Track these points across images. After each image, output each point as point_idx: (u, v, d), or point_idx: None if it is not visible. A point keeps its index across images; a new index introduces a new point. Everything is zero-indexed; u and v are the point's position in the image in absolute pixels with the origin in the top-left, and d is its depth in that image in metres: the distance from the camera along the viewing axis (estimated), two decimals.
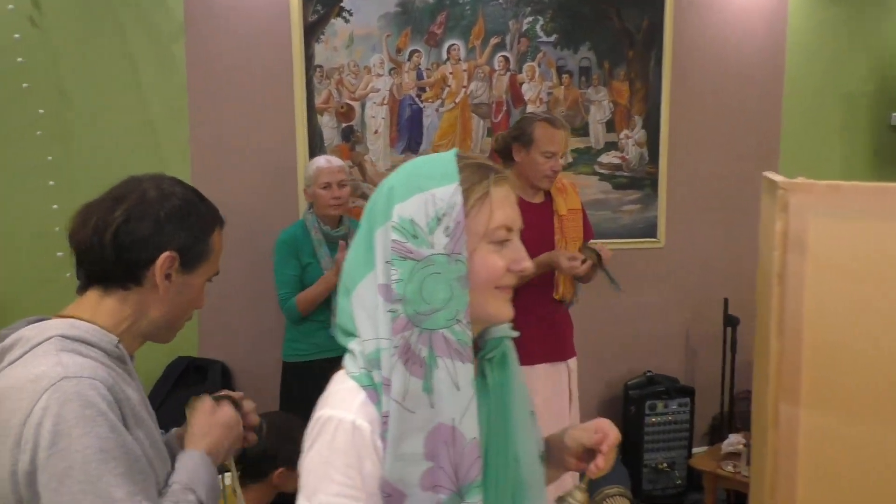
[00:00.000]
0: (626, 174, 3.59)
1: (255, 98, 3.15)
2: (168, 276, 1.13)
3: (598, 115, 3.52)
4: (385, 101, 3.27)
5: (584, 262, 2.46)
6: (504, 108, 3.41)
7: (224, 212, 3.04)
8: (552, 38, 3.39)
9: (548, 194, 2.67)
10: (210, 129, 3.13)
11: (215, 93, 3.11)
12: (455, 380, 0.92)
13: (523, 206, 2.45)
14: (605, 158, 3.56)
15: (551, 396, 2.59)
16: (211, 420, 1.19)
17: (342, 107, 3.23)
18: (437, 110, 3.34)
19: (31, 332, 1.05)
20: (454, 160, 0.97)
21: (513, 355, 1.08)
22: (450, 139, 3.36)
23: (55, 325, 1.06)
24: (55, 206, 2.97)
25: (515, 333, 1.06)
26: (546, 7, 3.36)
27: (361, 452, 0.92)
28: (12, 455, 0.95)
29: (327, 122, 3.23)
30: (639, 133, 3.57)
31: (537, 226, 2.59)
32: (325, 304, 2.77)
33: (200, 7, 3.06)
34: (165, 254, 1.11)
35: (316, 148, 3.22)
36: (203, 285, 1.20)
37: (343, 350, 1.03)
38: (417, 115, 3.32)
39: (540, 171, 2.55)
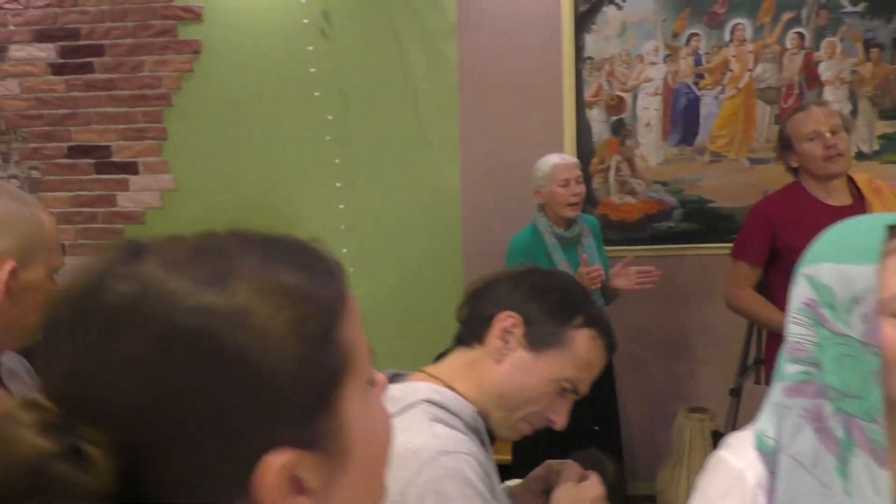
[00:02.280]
0: None
1: (523, 94, 3.11)
2: (506, 340, 1.04)
3: None
4: (659, 91, 3.06)
5: None
6: (796, 90, 3.03)
7: (490, 208, 3.05)
8: (859, 7, 2.93)
9: (859, 195, 2.30)
10: (479, 127, 3.15)
11: (485, 91, 3.12)
12: (875, 482, 0.79)
13: (827, 210, 2.13)
14: None
15: None
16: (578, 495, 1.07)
17: (612, 99, 3.08)
18: (716, 97, 3.05)
19: (397, 391, 1.06)
20: (881, 236, 0.80)
21: None
22: (730, 129, 3.06)
23: (422, 389, 1.05)
24: (341, 206, 3.18)
25: None
26: None
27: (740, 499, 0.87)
28: None
29: (596, 116, 3.09)
30: None
31: None
32: None
33: (473, 6, 3.06)
34: (507, 312, 1.05)
35: (584, 143, 3.10)
36: (550, 383, 1.04)
37: None
38: (694, 104, 3.06)
39: (815, 158, 2.22)
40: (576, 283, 1.18)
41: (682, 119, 3.07)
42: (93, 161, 3.27)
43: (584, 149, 3.10)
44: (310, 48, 3.07)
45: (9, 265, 1.00)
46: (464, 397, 1.04)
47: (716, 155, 3.09)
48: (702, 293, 3.19)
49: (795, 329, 0.86)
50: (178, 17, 3.15)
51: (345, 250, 3.20)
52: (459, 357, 1.09)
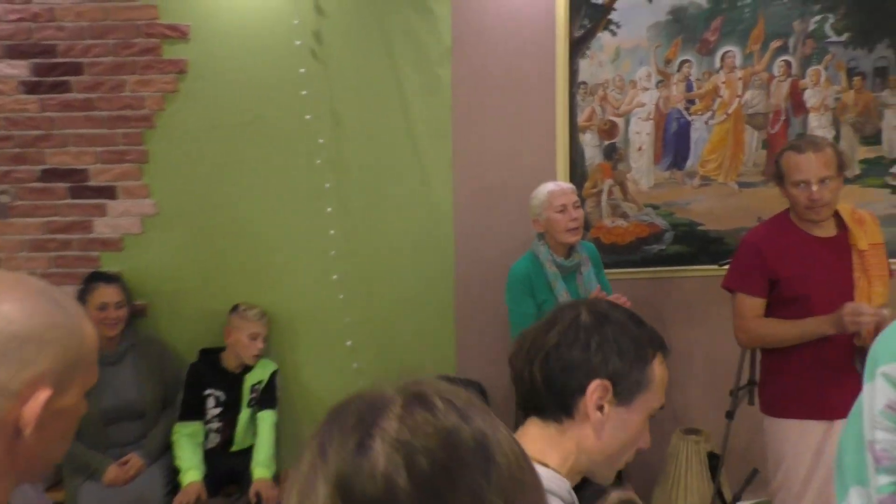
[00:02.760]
0: None
1: (516, 117, 3.10)
2: (601, 408, 1.02)
3: (893, 121, 3.11)
4: (650, 116, 3.09)
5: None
6: (782, 117, 3.10)
7: (483, 232, 3.02)
8: (843, 38, 3.03)
9: (843, 227, 2.36)
10: (472, 151, 3.12)
11: (478, 112, 3.10)
12: None
13: (812, 242, 2.17)
14: None
15: None
16: None
17: (605, 123, 3.10)
18: (706, 123, 3.11)
19: None
20: None
21: None
22: (720, 153, 3.12)
23: None
24: (332, 232, 3.11)
25: None
26: (838, 4, 3.00)
27: None
28: None
29: (589, 141, 3.11)
30: None
31: (833, 264, 2.30)
32: None
33: (468, 29, 3.05)
34: (596, 382, 1.01)
35: (577, 167, 3.11)
36: (644, 421, 1.06)
37: None
38: (685, 128, 3.11)
39: (799, 203, 2.28)
40: (630, 314, 1.14)
41: (674, 143, 3.11)
42: (68, 185, 3.11)
43: (577, 173, 3.11)
44: (301, 70, 3.00)
45: (44, 394, 0.81)
46: (558, 473, 1.00)
47: (705, 179, 3.14)
48: (693, 315, 3.23)
49: (880, 435, 0.81)
50: (164, 36, 3.03)
51: (335, 276, 3.13)
52: (542, 431, 1.04)
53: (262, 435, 3.00)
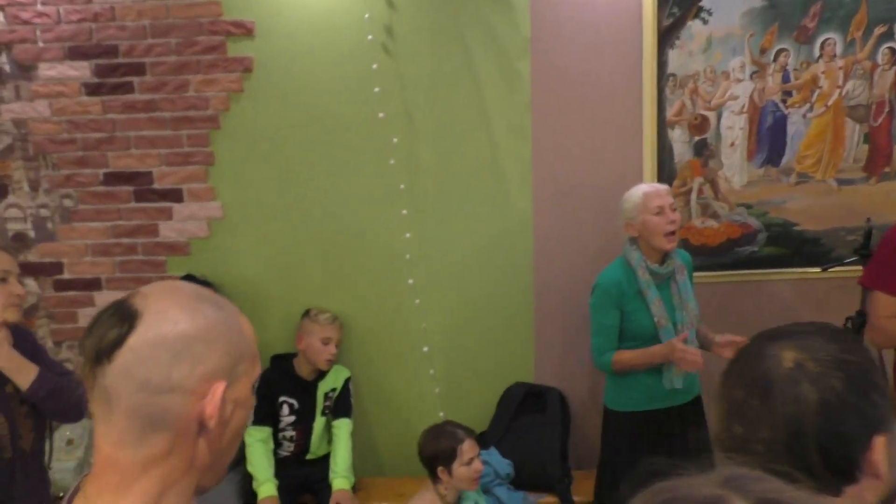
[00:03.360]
0: None
1: (600, 113, 2.93)
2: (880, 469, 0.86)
3: None
4: (744, 109, 2.90)
5: None
6: (886, 108, 2.90)
7: (564, 235, 2.81)
8: None
9: None
10: (553, 149, 2.96)
11: (559, 108, 2.93)
12: None
13: None
14: None
15: None
16: None
17: (696, 118, 2.91)
18: (804, 116, 2.91)
19: None
20: None
21: None
22: (818, 148, 2.92)
23: None
24: (407, 235, 2.97)
25: None
26: None
27: None
28: None
29: (678, 137, 2.93)
30: None
31: None
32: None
33: (548, 19, 2.87)
34: (877, 439, 0.85)
35: (665, 165, 2.94)
36: None
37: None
38: (780, 122, 2.91)
39: None
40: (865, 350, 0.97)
41: (768, 138, 2.92)
42: (132, 188, 3.01)
43: (665, 171, 2.93)
44: (374, 66, 2.85)
45: (221, 387, 0.82)
46: None
47: (802, 176, 2.95)
48: (787, 320, 3.04)
49: None
50: (228, 33, 2.90)
51: (410, 281, 3.00)
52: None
53: (338, 444, 2.90)
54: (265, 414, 2.87)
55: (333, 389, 2.97)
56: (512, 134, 2.94)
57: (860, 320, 2.75)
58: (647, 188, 2.53)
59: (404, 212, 2.95)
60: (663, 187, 2.54)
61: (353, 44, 2.87)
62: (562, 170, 2.97)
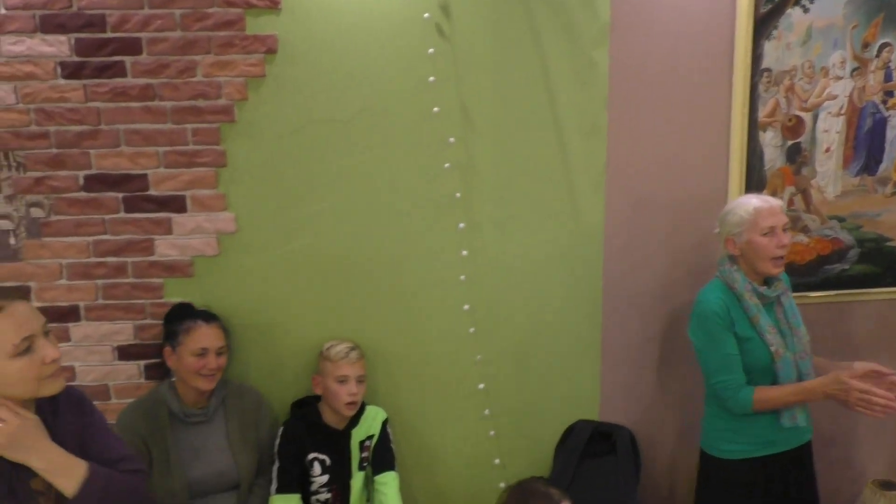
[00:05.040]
0: None
1: (685, 110, 2.55)
2: None
3: None
4: (842, 111, 2.58)
5: None
6: None
7: (638, 251, 2.41)
8: None
9: None
10: (630, 151, 2.56)
11: (639, 105, 2.54)
12: None
13: None
14: None
15: None
16: None
17: (790, 119, 2.57)
18: None
19: None
20: None
21: None
22: None
23: None
24: (464, 252, 2.51)
25: None
26: None
27: None
28: None
29: (770, 140, 2.58)
30: None
31: None
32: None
33: (630, 3, 2.46)
34: None
35: (754, 171, 2.58)
36: None
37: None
38: (880, 126, 2.61)
39: None
40: None
41: (866, 144, 2.61)
42: (121, 195, 2.43)
43: (754, 179, 2.58)
44: (430, 51, 2.37)
45: None
46: None
47: None
48: (878, 344, 2.75)
49: None
50: (248, 5, 2.36)
51: (466, 307, 2.54)
52: None
53: None
54: (293, 478, 2.36)
55: (370, 437, 2.48)
56: (584, 133, 2.52)
57: None
58: (758, 202, 2.16)
59: (462, 225, 2.49)
60: (777, 203, 2.18)
61: (402, 23, 2.39)
62: (639, 176, 2.57)
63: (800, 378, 2.14)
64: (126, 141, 2.40)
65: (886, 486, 2.59)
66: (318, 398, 2.48)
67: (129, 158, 2.41)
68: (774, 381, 2.14)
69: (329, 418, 2.45)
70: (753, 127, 2.55)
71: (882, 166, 2.63)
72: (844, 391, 1.98)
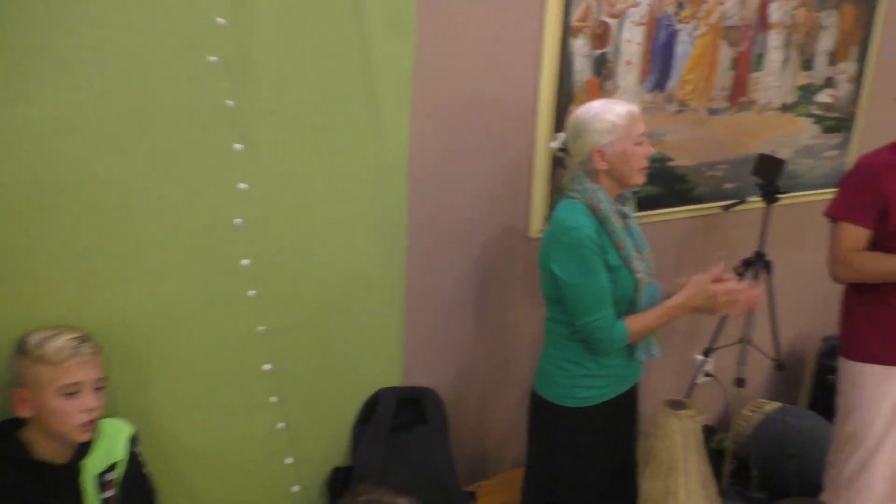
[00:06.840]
0: (833, 115, 3.08)
1: (495, 15, 2.11)
2: None
3: (823, 45, 2.93)
4: (643, 20, 2.39)
5: None
6: (751, 33, 2.69)
7: (446, 181, 2.20)
8: None
9: None
10: (437, 55, 2.05)
11: (447, 6, 2.03)
12: None
13: None
14: (820, 97, 3.01)
15: None
16: None
17: (599, 26, 2.30)
18: (689, 34, 2.53)
19: None
20: None
21: None
22: (697, 73, 2.59)
23: None
24: (242, 186, 1.78)
25: None
26: None
27: None
28: None
29: (580, 49, 2.28)
30: (853, 66, 3.05)
31: None
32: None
33: None
34: None
35: (564, 83, 2.28)
36: None
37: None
38: (671, 39, 2.49)
39: None
40: None
41: (660, 58, 2.48)
42: None
43: (564, 91, 2.28)
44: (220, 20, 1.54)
45: None
46: None
47: (682, 104, 2.60)
48: (677, 262, 2.74)
49: None
50: None
51: (245, 261, 1.84)
52: None
53: None
54: None
55: (112, 467, 1.68)
56: (390, 27, 1.93)
57: (761, 263, 2.57)
58: (628, 107, 1.83)
59: (239, 146, 1.74)
60: (637, 109, 1.88)
61: None
62: (448, 86, 2.09)
63: (653, 305, 1.92)
64: None
65: (676, 405, 2.61)
66: (19, 423, 1.59)
67: None
68: (632, 311, 1.89)
69: (44, 450, 1.58)
70: (566, 33, 2.23)
71: (669, 83, 2.53)
72: (712, 297, 1.85)
